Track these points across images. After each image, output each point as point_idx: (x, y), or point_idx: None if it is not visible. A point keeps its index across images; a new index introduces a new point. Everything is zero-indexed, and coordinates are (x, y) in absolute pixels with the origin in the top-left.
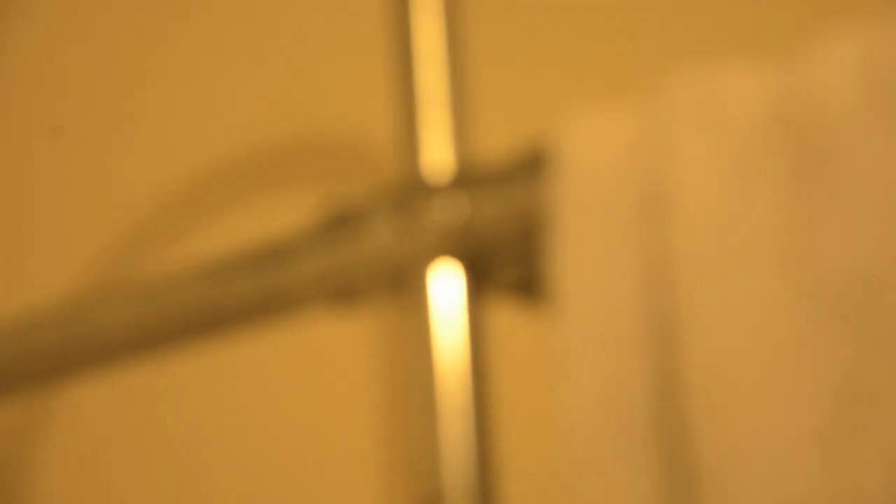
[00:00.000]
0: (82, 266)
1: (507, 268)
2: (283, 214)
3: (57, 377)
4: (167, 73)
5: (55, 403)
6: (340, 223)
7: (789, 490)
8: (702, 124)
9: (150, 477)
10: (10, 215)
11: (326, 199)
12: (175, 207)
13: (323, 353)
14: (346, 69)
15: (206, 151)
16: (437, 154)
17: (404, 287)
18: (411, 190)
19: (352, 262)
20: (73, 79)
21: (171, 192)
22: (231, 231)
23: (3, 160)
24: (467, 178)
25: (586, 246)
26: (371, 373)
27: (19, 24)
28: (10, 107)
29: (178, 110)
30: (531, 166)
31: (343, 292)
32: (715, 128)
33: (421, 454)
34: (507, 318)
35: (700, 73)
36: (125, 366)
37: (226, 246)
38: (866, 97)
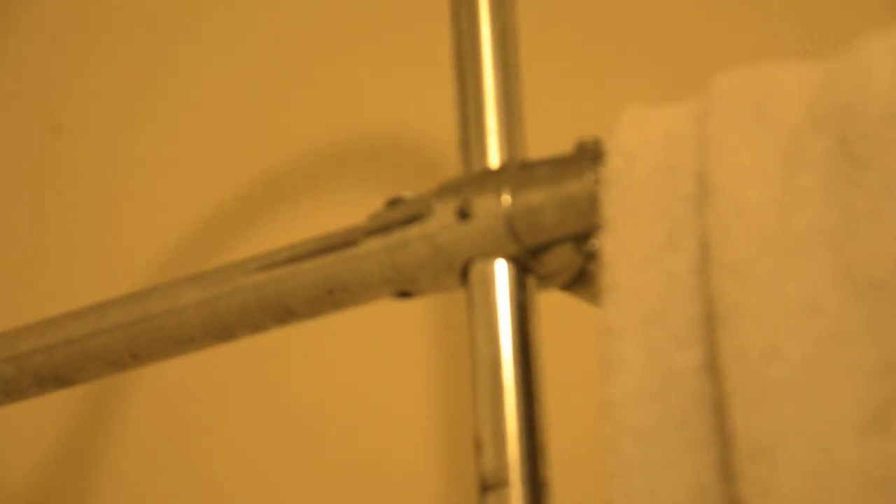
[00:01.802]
0: (150, 261)
1: (560, 260)
2: (345, 212)
3: (128, 364)
4: (242, 71)
5: (127, 388)
6: (401, 217)
7: (831, 468)
8: (747, 116)
9: (216, 455)
10: (79, 209)
11: (388, 195)
12: (242, 206)
13: (381, 341)
14: (407, 71)
15: (271, 150)
16: (494, 152)
17: (461, 278)
18: (469, 185)
19: (411, 253)
20: (134, 72)
21: (238, 191)
22: (296, 229)
23: (76, 153)
24: (522, 173)
25: (635, 236)
26: (426, 362)
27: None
28: (79, 93)
29: (249, 109)
30: (582, 161)
31: (403, 282)
32: (759, 119)
33: (476, 437)
34: (559, 307)
35: (745, 70)
36: (194, 351)
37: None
38: None
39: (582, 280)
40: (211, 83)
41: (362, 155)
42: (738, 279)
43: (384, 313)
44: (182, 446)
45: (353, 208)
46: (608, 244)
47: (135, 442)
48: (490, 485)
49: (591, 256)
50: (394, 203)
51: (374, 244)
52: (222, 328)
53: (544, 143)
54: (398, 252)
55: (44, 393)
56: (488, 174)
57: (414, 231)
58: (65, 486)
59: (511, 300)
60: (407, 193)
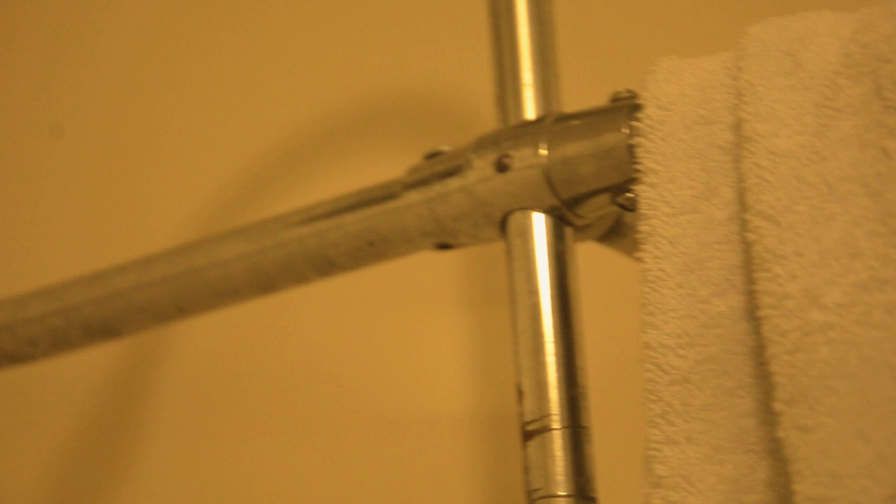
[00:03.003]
0: (192, 217)
1: (597, 211)
2: (385, 166)
3: (173, 316)
4: (281, 30)
5: (174, 340)
6: (440, 170)
7: (870, 410)
8: (781, 66)
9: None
10: (123, 165)
11: (426, 149)
12: (282, 162)
13: (419, 293)
14: (444, 27)
15: (310, 108)
16: (530, 105)
17: (500, 230)
18: (506, 139)
19: (450, 206)
20: (161, 36)
21: (278, 147)
22: (337, 184)
23: (133, 112)
24: (558, 126)
25: (672, 186)
26: (464, 313)
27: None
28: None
29: (289, 66)
30: (618, 113)
31: (442, 234)
32: (793, 68)
33: (518, 385)
34: (596, 256)
35: (779, 20)
36: (238, 303)
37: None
38: None
39: (618, 231)
40: (252, 41)
41: (401, 110)
42: (774, 225)
43: (422, 266)
44: (223, 400)
45: (393, 163)
46: (645, 194)
47: (177, 396)
48: (532, 431)
49: (628, 207)
50: (432, 156)
51: (414, 197)
52: (266, 280)
53: (580, 95)
54: (437, 204)
55: (92, 345)
56: (525, 127)
57: (453, 184)
58: (109, 440)
59: (549, 251)
60: (445, 147)
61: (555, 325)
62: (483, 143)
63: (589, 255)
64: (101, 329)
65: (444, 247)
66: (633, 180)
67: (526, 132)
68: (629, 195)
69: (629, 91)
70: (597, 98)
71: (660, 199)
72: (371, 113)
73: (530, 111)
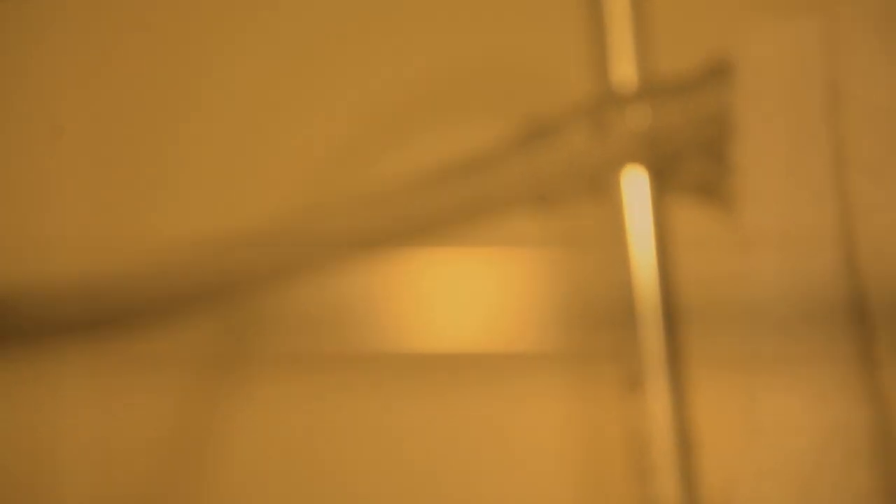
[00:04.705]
0: (292, 185)
1: (694, 171)
2: (486, 129)
3: (276, 285)
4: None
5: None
6: (538, 134)
7: None
8: (876, 22)
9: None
10: (224, 132)
11: (526, 112)
12: (377, 128)
13: (515, 252)
14: None
15: (408, 77)
16: (625, 68)
17: (596, 190)
18: (602, 102)
19: (548, 169)
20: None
21: (373, 114)
22: (437, 149)
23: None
24: (653, 87)
25: (768, 144)
26: (561, 273)
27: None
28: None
29: (379, 39)
30: (713, 73)
31: (540, 197)
32: (889, 25)
33: (615, 341)
34: (692, 218)
35: None
36: (339, 271)
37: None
38: None
39: (716, 190)
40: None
41: (499, 73)
42: (873, 178)
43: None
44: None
45: (494, 126)
46: (742, 153)
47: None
48: (634, 383)
49: (725, 167)
50: (532, 119)
51: (514, 159)
52: (369, 245)
53: (676, 56)
54: (537, 166)
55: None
56: (622, 89)
57: (552, 145)
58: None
59: (647, 211)
60: (544, 109)
61: (654, 283)
62: (581, 106)
63: (685, 215)
64: None
65: (543, 208)
66: (730, 140)
67: (622, 94)
68: (726, 154)
69: (726, 50)
70: (692, 59)
71: (757, 157)
72: (472, 76)
73: (627, 73)
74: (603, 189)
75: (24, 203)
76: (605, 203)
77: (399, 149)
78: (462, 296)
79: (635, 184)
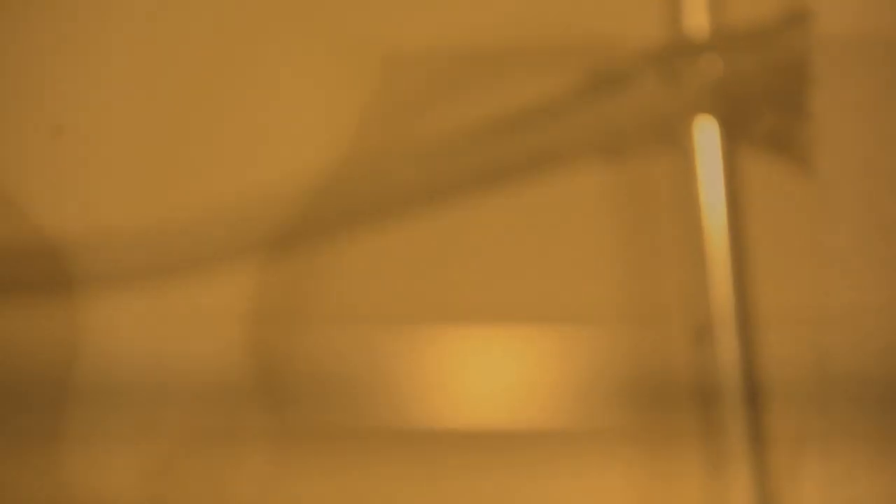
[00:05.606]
0: (358, 137)
1: (770, 119)
2: (553, 78)
3: (343, 234)
4: None
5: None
6: (607, 82)
7: None
8: None
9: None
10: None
11: (595, 62)
12: (445, 80)
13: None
14: None
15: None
16: (697, 15)
17: (667, 141)
18: (672, 50)
19: (617, 118)
20: None
21: (439, 65)
22: (505, 99)
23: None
24: (725, 36)
25: (846, 92)
26: (628, 221)
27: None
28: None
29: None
30: (789, 21)
31: (609, 147)
32: None
33: (686, 293)
34: (763, 169)
35: None
36: (405, 221)
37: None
38: None
39: (792, 139)
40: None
41: (570, 21)
42: None
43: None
44: None
45: (564, 74)
46: (819, 101)
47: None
48: (702, 333)
49: (802, 116)
50: (602, 68)
51: (583, 108)
52: (440, 195)
53: (751, 2)
54: (607, 116)
55: None
56: (695, 37)
57: (622, 95)
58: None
59: (720, 162)
60: (615, 59)
61: (726, 234)
62: (653, 55)
63: (759, 164)
64: None
65: (613, 159)
66: (807, 88)
67: (696, 42)
68: (803, 103)
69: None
70: (768, 5)
71: (834, 105)
72: (535, 27)
73: (700, 21)
74: (672, 138)
75: (80, 153)
76: (678, 155)
77: (467, 100)
78: (522, 371)
79: (706, 133)
